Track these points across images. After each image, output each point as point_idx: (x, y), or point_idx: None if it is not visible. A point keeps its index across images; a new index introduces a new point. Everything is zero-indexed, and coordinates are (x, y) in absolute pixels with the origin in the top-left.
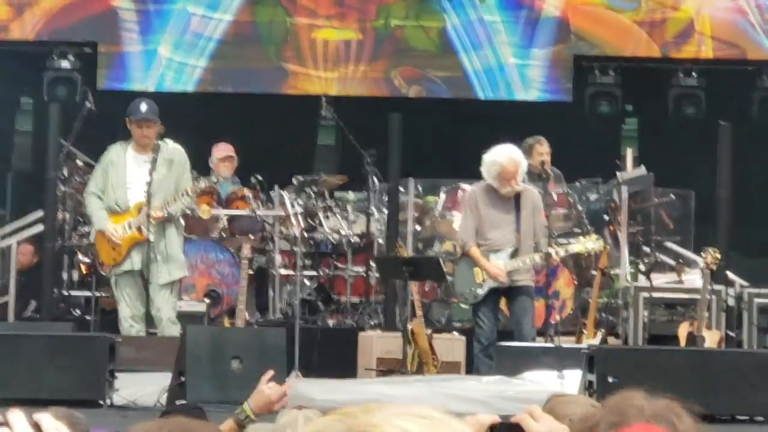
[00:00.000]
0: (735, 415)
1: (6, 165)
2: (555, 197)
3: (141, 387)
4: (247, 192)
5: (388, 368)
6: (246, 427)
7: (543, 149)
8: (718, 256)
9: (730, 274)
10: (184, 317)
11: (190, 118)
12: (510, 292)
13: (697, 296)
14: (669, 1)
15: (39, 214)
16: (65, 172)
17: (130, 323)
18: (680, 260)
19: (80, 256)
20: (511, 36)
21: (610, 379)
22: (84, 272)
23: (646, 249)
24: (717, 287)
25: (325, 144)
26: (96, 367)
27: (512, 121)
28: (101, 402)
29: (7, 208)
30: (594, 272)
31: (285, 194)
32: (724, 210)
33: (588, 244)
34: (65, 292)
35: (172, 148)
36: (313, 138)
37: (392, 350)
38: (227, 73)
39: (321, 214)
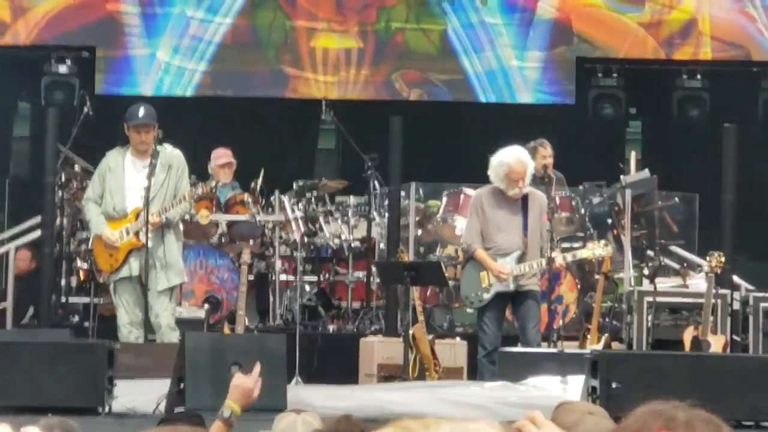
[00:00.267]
0: (741, 420)
1: (4, 170)
2: (558, 201)
3: (140, 394)
4: (246, 197)
5: (390, 374)
6: (234, 425)
7: (546, 152)
8: (723, 259)
9: (736, 278)
10: (183, 323)
11: (189, 123)
12: (516, 296)
13: (701, 300)
14: (672, 3)
15: (37, 219)
16: (63, 177)
17: (128, 330)
18: (685, 264)
19: (79, 262)
20: (512, 38)
21: (614, 385)
22: (82, 278)
23: (650, 253)
24: (722, 291)
25: (326, 148)
26: (94, 374)
27: (514, 124)
28: (100, 409)
29: (5, 213)
30: (597, 276)
31: (285, 199)
32: (728, 213)
33: (597, 250)
34: (63, 299)
35: (170, 153)
36: (313, 142)
37: (393, 356)
38: (227, 77)
39: (321, 219)
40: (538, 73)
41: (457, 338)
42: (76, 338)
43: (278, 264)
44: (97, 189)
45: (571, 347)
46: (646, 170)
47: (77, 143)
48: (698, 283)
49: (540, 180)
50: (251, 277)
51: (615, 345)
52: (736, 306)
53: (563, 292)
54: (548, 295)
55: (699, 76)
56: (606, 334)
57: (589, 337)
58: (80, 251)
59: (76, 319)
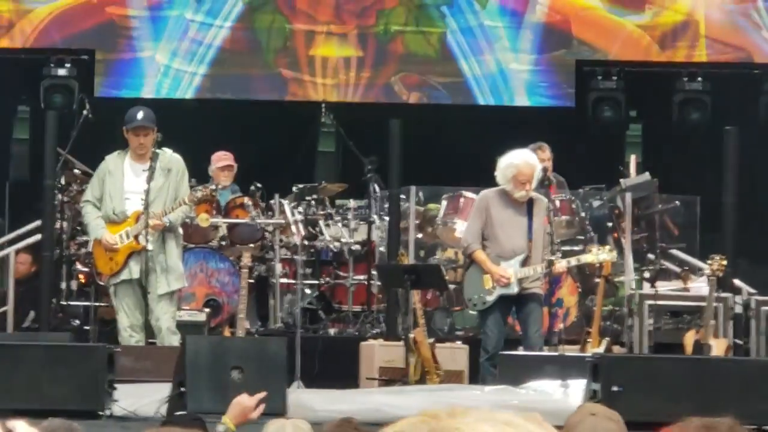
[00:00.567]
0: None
1: (3, 174)
2: (558, 204)
3: (140, 397)
4: (246, 200)
5: (391, 378)
6: None
7: (545, 155)
8: (725, 263)
9: (737, 281)
10: (183, 327)
11: (189, 126)
12: (519, 299)
13: (703, 304)
14: (672, 5)
15: (37, 223)
16: (62, 180)
17: (129, 333)
18: (686, 267)
19: (79, 266)
20: (512, 41)
21: (615, 388)
22: (82, 282)
23: (651, 256)
24: (723, 295)
25: (326, 151)
26: (95, 378)
27: (514, 127)
28: (100, 413)
29: (5, 217)
30: (598, 280)
31: (285, 202)
32: (730, 216)
33: (601, 255)
34: (64, 302)
35: (170, 157)
36: (313, 145)
37: (394, 359)
38: (226, 80)
39: (322, 222)
40: (537, 76)
41: (458, 342)
42: (76, 342)
43: (278, 267)
44: (96, 191)
45: (571, 351)
46: (647, 173)
47: (77, 146)
48: (699, 286)
49: (540, 183)
50: (251, 281)
51: (616, 348)
52: (738, 309)
53: (564, 295)
54: (549, 298)
55: (699, 79)
56: (607, 338)
57: (590, 340)
58: (80, 254)
59: (77, 322)
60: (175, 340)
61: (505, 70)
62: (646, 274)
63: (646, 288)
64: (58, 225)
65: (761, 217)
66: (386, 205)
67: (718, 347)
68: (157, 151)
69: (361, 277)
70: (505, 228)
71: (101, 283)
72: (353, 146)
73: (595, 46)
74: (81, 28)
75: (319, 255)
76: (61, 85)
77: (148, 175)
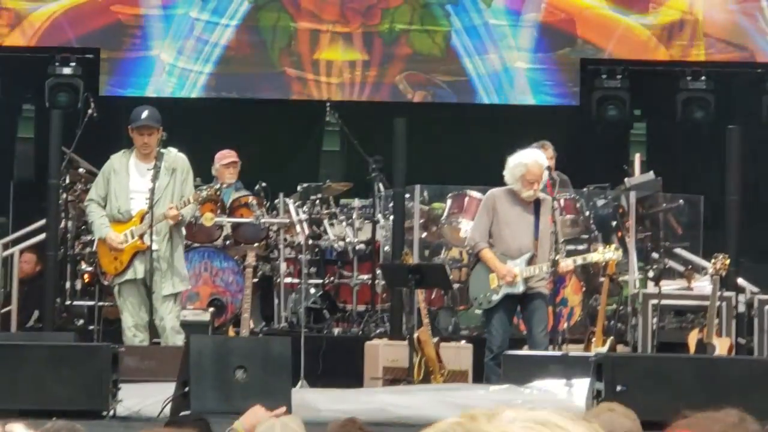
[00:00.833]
0: None
1: (8, 173)
2: (562, 203)
3: (144, 397)
4: (251, 199)
5: (395, 377)
6: None
7: (548, 154)
8: (728, 261)
9: (741, 280)
10: (188, 326)
11: (194, 125)
12: (525, 298)
13: (706, 303)
14: (675, 5)
15: (41, 222)
16: (67, 179)
17: (133, 332)
18: (689, 266)
19: (83, 265)
20: (516, 40)
21: (619, 388)
22: (87, 281)
23: (655, 255)
24: (727, 294)
25: (330, 150)
26: (99, 378)
27: (519, 125)
28: (104, 413)
29: (9, 216)
30: (602, 279)
31: (290, 201)
32: (733, 215)
33: (607, 254)
34: (68, 302)
35: (174, 157)
36: (317, 144)
37: (398, 359)
38: (231, 79)
39: (326, 222)
40: (542, 75)
41: (462, 341)
42: (80, 341)
43: (283, 267)
44: (100, 191)
45: (576, 350)
46: (651, 172)
47: (81, 145)
48: (703, 285)
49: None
50: (256, 280)
51: (620, 348)
52: (741, 308)
53: (568, 294)
54: (553, 297)
55: (703, 78)
56: (611, 337)
57: (594, 339)
58: (85, 254)
59: (81, 322)
60: (179, 340)
61: (510, 68)
62: (650, 273)
63: (650, 287)
64: (62, 224)
65: (765, 216)
66: (391, 205)
67: (721, 346)
68: (162, 150)
69: (366, 276)
70: (511, 227)
71: (105, 283)
72: (358, 145)
73: (599, 45)
74: (86, 26)
75: (323, 254)
76: (66, 83)
77: (153, 174)
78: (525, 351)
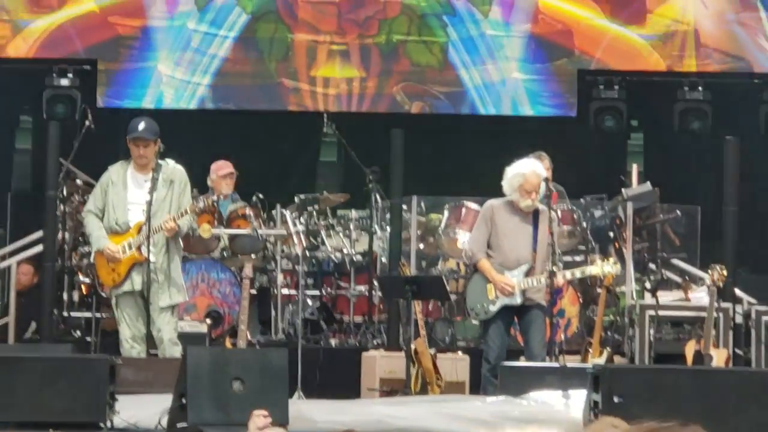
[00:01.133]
0: None
1: (5, 184)
2: (559, 214)
3: (142, 409)
4: (248, 211)
5: (392, 388)
6: None
7: (544, 165)
8: (725, 272)
9: (738, 291)
10: (185, 338)
11: (191, 136)
12: (522, 310)
13: (704, 314)
14: (672, 15)
15: (39, 234)
16: (65, 191)
17: (130, 344)
18: (686, 277)
19: (80, 277)
20: (513, 51)
21: (616, 399)
22: (84, 293)
23: (652, 266)
24: (724, 305)
25: (327, 161)
26: (96, 389)
27: (516, 136)
28: (102, 424)
29: (7, 227)
30: (599, 290)
31: (287, 213)
32: (730, 226)
33: (606, 267)
34: (65, 313)
35: (172, 168)
36: (314, 155)
37: (396, 370)
38: (228, 90)
39: (323, 233)
40: (539, 86)
41: (459, 352)
42: (77, 353)
43: (280, 278)
44: (98, 202)
45: (573, 361)
46: (648, 183)
47: (79, 157)
48: (700, 296)
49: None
50: (253, 291)
51: (617, 359)
52: (739, 320)
53: (565, 305)
54: (550, 308)
55: (700, 88)
56: (608, 348)
57: (591, 351)
58: (82, 265)
59: (78, 333)
60: (176, 352)
61: (507, 79)
62: (648, 284)
63: (648, 298)
64: (60, 236)
65: (762, 227)
66: (388, 216)
67: (718, 357)
68: (160, 162)
69: (363, 287)
70: (509, 238)
71: (103, 294)
72: (355, 156)
73: (596, 55)
74: (83, 38)
75: (320, 265)
76: (63, 95)
77: (150, 186)
78: (522, 362)
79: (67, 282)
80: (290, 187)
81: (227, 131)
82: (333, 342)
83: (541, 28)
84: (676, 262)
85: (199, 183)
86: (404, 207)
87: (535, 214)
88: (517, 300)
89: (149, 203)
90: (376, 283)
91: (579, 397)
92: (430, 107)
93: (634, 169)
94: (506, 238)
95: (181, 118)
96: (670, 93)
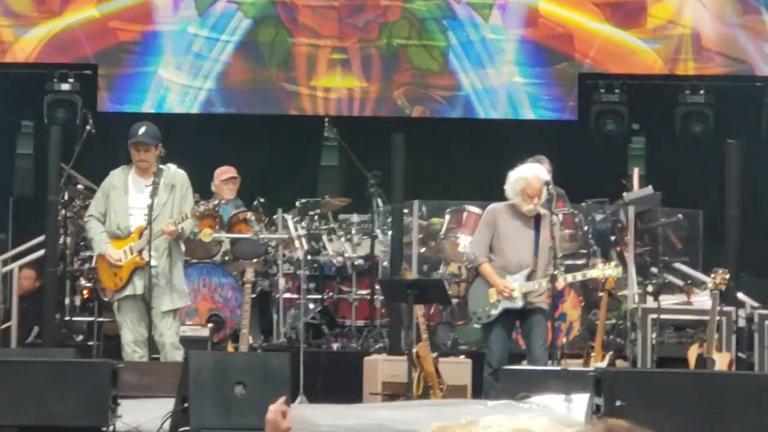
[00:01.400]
0: None
1: (7, 189)
2: (561, 217)
3: (144, 413)
4: (250, 215)
5: (394, 392)
6: None
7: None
8: (728, 276)
9: (740, 295)
10: (187, 342)
11: (193, 140)
12: (523, 313)
13: (706, 318)
14: (673, 18)
15: (40, 238)
16: (66, 195)
17: (132, 348)
18: (689, 281)
19: (82, 281)
20: (514, 54)
21: (618, 403)
22: (86, 297)
23: (654, 270)
24: (727, 308)
25: (329, 165)
26: (98, 394)
27: (517, 140)
28: (104, 429)
29: (9, 232)
30: (601, 294)
31: (288, 217)
32: (732, 229)
33: (607, 270)
34: (67, 318)
35: (174, 173)
36: (316, 159)
37: (397, 374)
38: (230, 94)
39: (325, 237)
40: (540, 89)
41: (461, 356)
42: (80, 357)
43: (282, 282)
44: (100, 207)
45: (575, 365)
46: (650, 187)
47: (80, 161)
48: (703, 300)
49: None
50: (255, 296)
51: (619, 363)
52: (741, 323)
53: (567, 309)
54: (552, 312)
55: (702, 92)
56: (610, 352)
57: (593, 354)
58: (84, 270)
59: (81, 338)
60: (178, 356)
61: (508, 83)
62: (649, 288)
63: (650, 302)
64: (61, 240)
65: (764, 231)
66: (389, 220)
67: (721, 361)
68: (162, 166)
69: (365, 291)
70: (511, 242)
71: (105, 299)
72: (356, 160)
73: (596, 59)
74: (84, 43)
75: (322, 270)
76: (64, 100)
77: (152, 190)
78: (524, 366)
79: (69, 286)
80: (291, 192)
81: (228, 135)
82: (335, 346)
83: (541, 31)
84: (678, 265)
85: (200, 188)
86: (405, 211)
87: (537, 218)
88: (519, 304)
89: (150, 207)
90: (377, 287)
91: (581, 400)
92: (431, 111)
93: (636, 172)
94: (508, 242)
95: (183, 122)
96: (671, 96)
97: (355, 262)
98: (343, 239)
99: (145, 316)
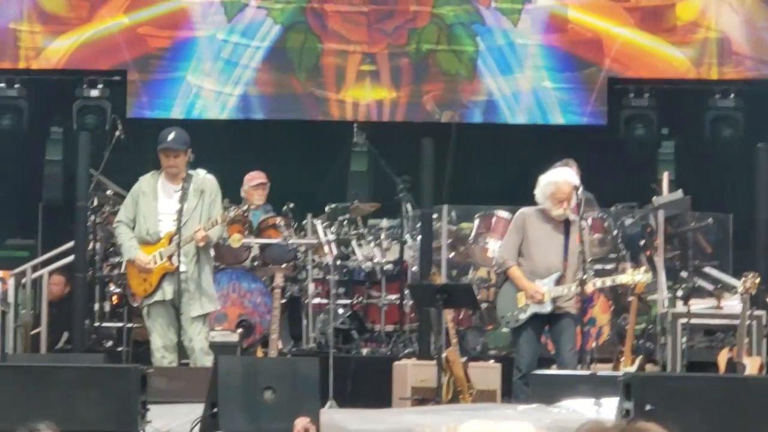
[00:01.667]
0: None
1: (36, 195)
2: (590, 222)
3: (173, 418)
4: (279, 220)
5: (423, 397)
6: None
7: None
8: (758, 280)
9: None
10: (216, 347)
11: (222, 146)
12: (553, 318)
13: (736, 322)
14: (703, 22)
15: (70, 244)
16: (95, 201)
17: (162, 354)
18: (719, 285)
19: (112, 287)
20: (544, 59)
21: (648, 407)
22: (115, 303)
23: (684, 274)
24: (757, 312)
25: (358, 171)
26: (128, 399)
27: (547, 145)
28: None
29: (38, 238)
30: (630, 298)
31: (318, 222)
32: (763, 233)
33: (636, 276)
34: (97, 324)
35: (203, 179)
36: (345, 165)
37: (427, 379)
38: (259, 100)
39: (354, 242)
40: (569, 94)
41: (491, 361)
42: (109, 363)
43: (311, 287)
44: (129, 212)
45: (604, 369)
46: (680, 191)
47: (109, 167)
48: (733, 304)
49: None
50: (284, 301)
51: (649, 367)
52: None
53: (596, 314)
54: (581, 317)
55: (732, 96)
56: (640, 356)
57: (622, 359)
58: (113, 276)
59: (110, 343)
60: (208, 361)
61: (537, 88)
62: (679, 293)
63: (679, 306)
64: (91, 246)
65: None
66: (418, 225)
67: (752, 365)
68: (191, 172)
69: (394, 296)
70: (541, 246)
71: (134, 304)
72: (386, 166)
73: (626, 64)
74: (113, 49)
75: (351, 275)
76: (93, 105)
77: (181, 196)
78: (553, 370)
79: (99, 292)
80: (321, 197)
81: (258, 141)
82: (364, 351)
83: (570, 37)
84: (708, 269)
85: (230, 193)
86: (435, 216)
87: (567, 223)
88: (547, 308)
89: (180, 213)
90: (407, 292)
91: (611, 405)
92: (460, 116)
93: (665, 177)
94: (537, 247)
95: (213, 128)
96: (701, 101)
97: (385, 267)
98: (372, 244)
99: (175, 322)
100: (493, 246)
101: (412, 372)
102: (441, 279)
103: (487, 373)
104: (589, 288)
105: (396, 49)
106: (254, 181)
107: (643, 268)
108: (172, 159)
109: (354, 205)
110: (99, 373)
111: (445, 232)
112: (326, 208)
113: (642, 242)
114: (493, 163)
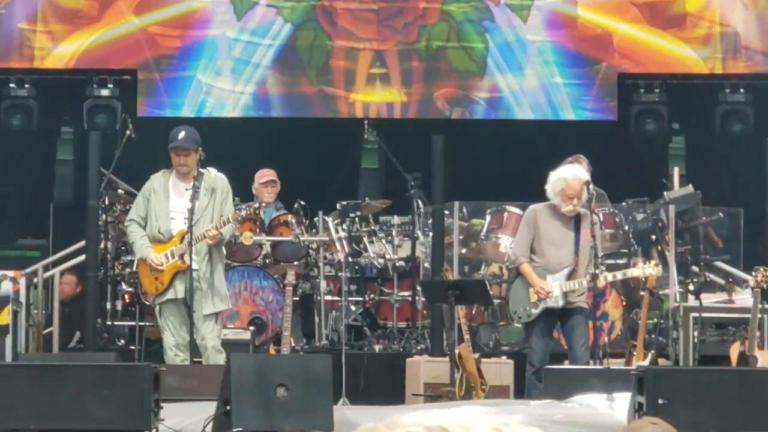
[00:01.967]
0: None
1: (48, 195)
2: (601, 217)
3: (186, 416)
4: (290, 218)
5: (436, 393)
6: None
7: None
8: None
9: None
10: (228, 345)
11: (233, 144)
12: (564, 313)
13: (748, 316)
14: (713, 17)
15: (81, 243)
16: (106, 200)
17: (174, 352)
18: (730, 279)
19: (123, 286)
20: (554, 55)
21: (660, 401)
22: (127, 302)
23: (695, 268)
24: None
25: (369, 168)
26: (141, 397)
27: (557, 141)
28: None
29: (50, 238)
30: (642, 293)
31: (329, 219)
32: None
33: (647, 269)
34: (109, 322)
35: (214, 177)
36: (356, 162)
37: (440, 375)
38: (269, 98)
39: (365, 239)
40: (579, 90)
41: (503, 356)
42: (122, 361)
43: (323, 284)
44: (140, 211)
45: (617, 364)
46: (690, 186)
47: (120, 166)
48: (744, 298)
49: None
50: (296, 298)
51: (661, 361)
52: None
53: (609, 308)
54: (593, 312)
55: (742, 90)
56: (652, 351)
57: (635, 353)
58: (125, 274)
59: (122, 342)
60: (220, 359)
61: (548, 84)
62: (691, 287)
63: (691, 300)
64: (102, 245)
65: None
66: (430, 221)
67: (763, 359)
68: (202, 170)
69: (406, 293)
70: (552, 242)
71: (146, 303)
72: (396, 162)
73: (635, 59)
74: (123, 48)
75: (363, 272)
76: (103, 105)
77: (192, 194)
78: (566, 365)
79: (110, 291)
80: (332, 194)
81: (269, 139)
82: (377, 348)
83: (579, 33)
84: (719, 264)
85: (241, 191)
86: (446, 212)
87: (578, 218)
88: (559, 303)
89: (191, 211)
90: (419, 288)
91: (624, 399)
92: (470, 113)
93: (676, 172)
94: (549, 242)
95: (224, 126)
96: (711, 96)
97: (396, 264)
98: (384, 241)
99: (187, 320)
100: (505, 242)
101: (424, 368)
102: (453, 275)
103: (500, 369)
104: (601, 282)
105: (406, 46)
106: (263, 179)
107: (653, 262)
108: (183, 158)
109: (365, 202)
110: (111, 372)
111: (456, 228)
112: (337, 205)
113: (653, 237)
114: (504, 159)
